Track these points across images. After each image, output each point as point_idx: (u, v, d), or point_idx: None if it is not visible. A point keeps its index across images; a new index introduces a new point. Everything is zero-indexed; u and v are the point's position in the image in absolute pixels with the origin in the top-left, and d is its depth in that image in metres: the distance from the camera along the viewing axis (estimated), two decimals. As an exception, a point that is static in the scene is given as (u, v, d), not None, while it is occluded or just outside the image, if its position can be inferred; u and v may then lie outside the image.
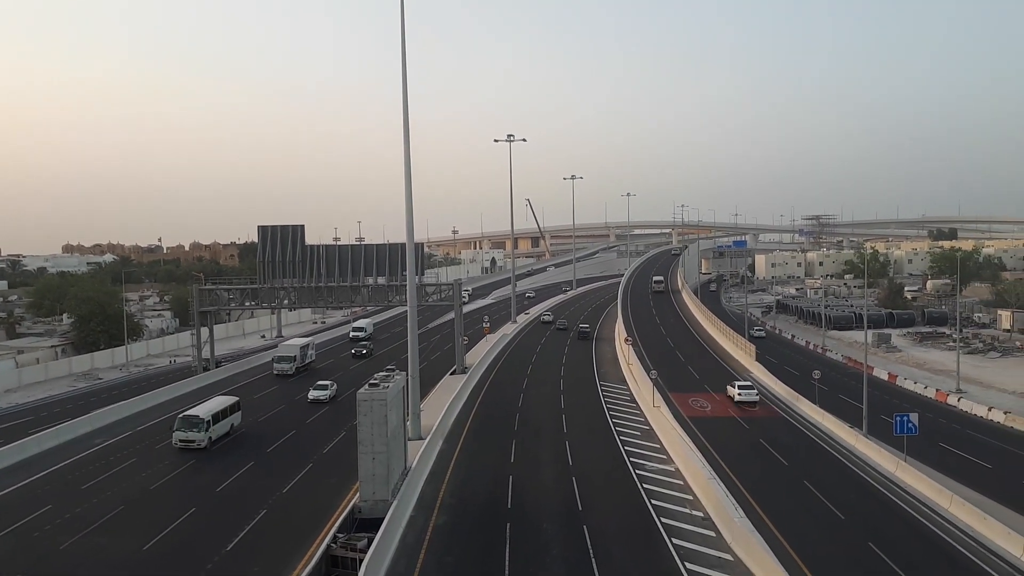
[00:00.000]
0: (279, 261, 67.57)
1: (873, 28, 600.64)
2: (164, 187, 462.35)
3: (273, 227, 67.66)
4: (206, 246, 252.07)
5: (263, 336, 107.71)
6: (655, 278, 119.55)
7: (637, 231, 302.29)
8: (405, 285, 54.04)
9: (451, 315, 74.02)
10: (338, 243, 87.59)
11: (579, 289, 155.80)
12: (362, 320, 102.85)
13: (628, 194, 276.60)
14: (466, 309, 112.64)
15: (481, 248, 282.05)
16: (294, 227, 67.80)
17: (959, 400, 60.14)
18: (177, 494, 38.35)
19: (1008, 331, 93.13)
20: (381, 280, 68.55)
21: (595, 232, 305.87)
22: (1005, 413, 54.45)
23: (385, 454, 34.34)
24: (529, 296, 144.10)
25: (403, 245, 56.49)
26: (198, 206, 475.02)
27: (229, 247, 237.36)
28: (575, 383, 66.48)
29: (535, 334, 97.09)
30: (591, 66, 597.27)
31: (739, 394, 58.47)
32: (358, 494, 34.25)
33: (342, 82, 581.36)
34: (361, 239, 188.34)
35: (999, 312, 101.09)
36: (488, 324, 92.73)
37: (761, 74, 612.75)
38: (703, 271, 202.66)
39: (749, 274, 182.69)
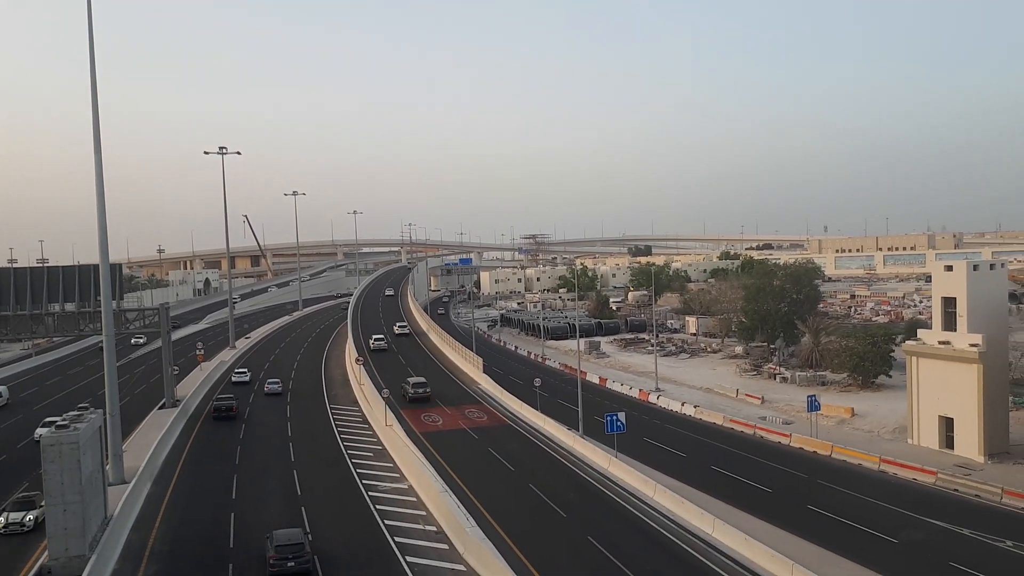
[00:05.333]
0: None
1: (592, 68, 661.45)
2: None
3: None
4: None
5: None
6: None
7: (366, 249, 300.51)
8: (100, 312, 47.66)
9: (159, 343, 66.95)
10: (13, 266, 75.41)
11: (306, 309, 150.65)
12: None
13: (355, 211, 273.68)
14: (178, 335, 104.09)
15: (193, 268, 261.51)
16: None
17: (658, 398, 67.12)
18: None
19: (694, 335, 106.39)
20: (70, 307, 59.91)
21: (322, 250, 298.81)
22: (695, 407, 61.74)
23: (79, 503, 30.20)
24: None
25: (96, 266, 49.99)
26: None
27: None
28: (303, 408, 63.67)
29: (258, 358, 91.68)
30: (312, 81, 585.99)
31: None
32: (47, 553, 29.54)
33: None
34: (44, 260, 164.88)
35: (687, 318, 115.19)
36: (202, 351, 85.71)
37: (481, 98, 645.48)
38: (432, 288, 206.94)
39: (475, 290, 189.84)
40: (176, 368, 68.52)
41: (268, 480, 43.55)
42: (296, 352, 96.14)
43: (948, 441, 47.07)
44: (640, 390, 70.24)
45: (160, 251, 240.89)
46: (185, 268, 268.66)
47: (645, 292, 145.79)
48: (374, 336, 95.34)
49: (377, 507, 37.97)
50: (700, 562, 31.54)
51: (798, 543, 32.72)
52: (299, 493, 40.81)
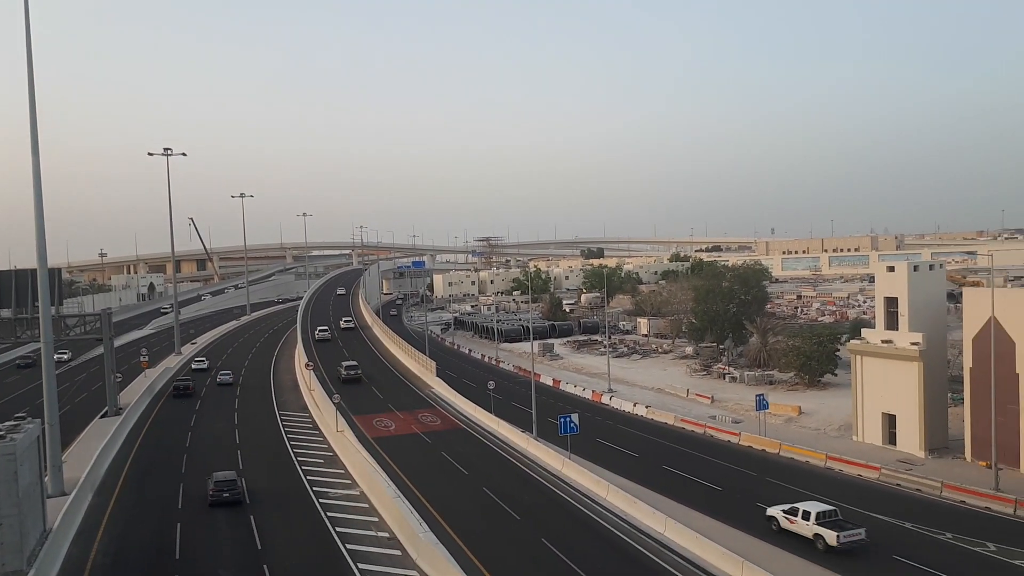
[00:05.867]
0: None
1: (543, 81, 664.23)
2: None
3: None
4: None
5: None
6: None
7: (316, 252, 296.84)
8: (38, 318, 45.93)
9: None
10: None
11: (255, 314, 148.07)
12: None
13: (305, 214, 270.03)
14: (121, 341, 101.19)
15: (137, 272, 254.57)
16: None
17: (611, 399, 67.62)
18: None
19: (646, 336, 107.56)
20: (6, 313, 57.68)
21: (271, 253, 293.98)
22: (647, 407, 62.36)
23: (16, 517, 29.33)
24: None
25: (34, 271, 48.21)
26: None
27: None
28: (252, 415, 62.46)
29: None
30: (259, 81, 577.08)
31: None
32: (-21, 570, 28.36)
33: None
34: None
35: (638, 320, 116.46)
36: (146, 357, 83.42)
37: (434, 100, 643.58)
38: (384, 291, 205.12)
39: (428, 293, 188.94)
40: (119, 375, 66.63)
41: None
42: (243, 358, 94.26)
43: (891, 437, 48.38)
44: (593, 391, 70.66)
45: (102, 255, 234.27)
46: (129, 272, 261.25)
47: (598, 294, 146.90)
48: (319, 328, 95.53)
49: (328, 514, 37.43)
50: (652, 561, 31.79)
51: (748, 540, 33.23)
52: (248, 501, 39.96)
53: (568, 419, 46.77)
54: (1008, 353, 41.62)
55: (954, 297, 72.12)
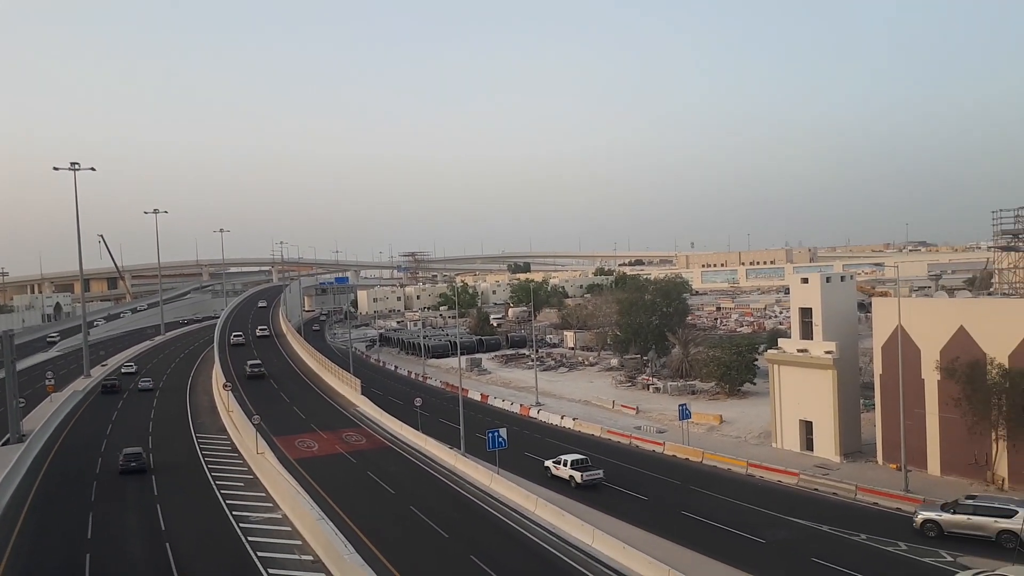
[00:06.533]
0: None
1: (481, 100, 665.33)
2: None
3: None
4: None
5: None
6: (259, 327, 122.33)
7: (234, 269, 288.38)
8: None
9: (2, 374, 61.24)
10: None
11: (169, 334, 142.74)
12: None
13: (222, 230, 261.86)
14: (24, 364, 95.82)
15: (42, 292, 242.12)
16: None
17: (539, 412, 67.74)
18: None
19: (572, 349, 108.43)
20: None
21: (187, 271, 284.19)
22: (574, 420, 62.71)
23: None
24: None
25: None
26: None
27: None
28: (168, 439, 59.85)
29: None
30: (171, 94, 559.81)
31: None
32: None
33: None
34: None
35: (565, 333, 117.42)
36: (52, 381, 79.19)
37: (355, 112, 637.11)
38: (306, 308, 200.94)
39: (352, 310, 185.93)
40: (22, 400, 62.96)
41: (128, 518, 40.50)
42: (158, 379, 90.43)
43: (808, 443, 49.94)
44: (521, 405, 70.68)
45: (3, 273, 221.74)
46: (33, 292, 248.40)
47: (525, 308, 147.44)
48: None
49: (249, 539, 36.09)
50: (581, 573, 31.80)
51: (674, 548, 33.65)
52: (163, 528, 38.21)
53: (496, 434, 46.57)
54: (914, 359, 43.62)
55: (864, 307, 75.30)
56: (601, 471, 45.07)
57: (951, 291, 58.48)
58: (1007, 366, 39.04)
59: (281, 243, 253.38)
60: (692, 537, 35.25)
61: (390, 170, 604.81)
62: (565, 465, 45.68)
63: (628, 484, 44.68)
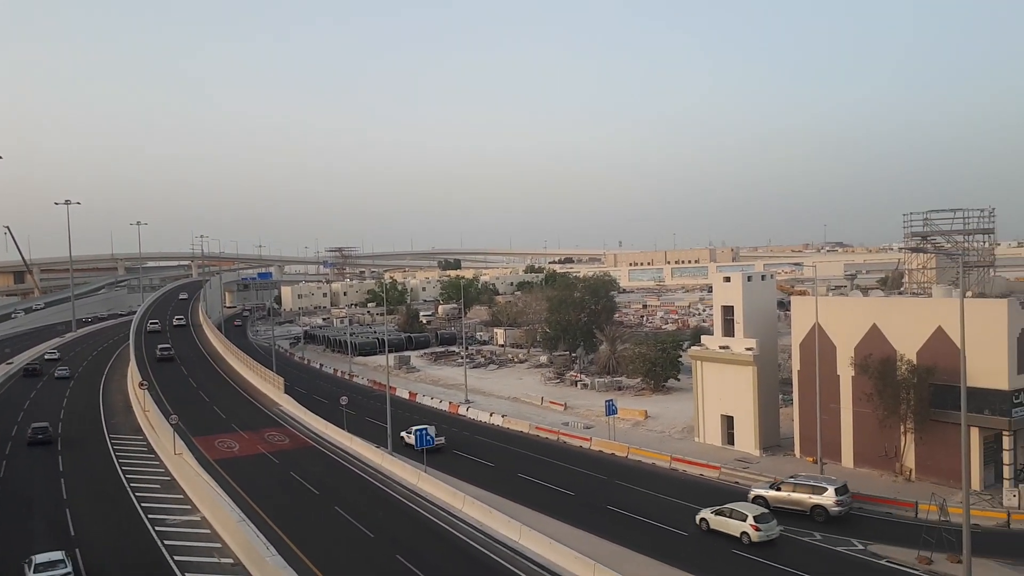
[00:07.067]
0: None
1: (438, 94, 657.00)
2: None
3: None
4: None
5: None
6: (176, 317, 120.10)
7: (151, 264, 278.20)
8: None
9: None
10: None
11: (81, 331, 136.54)
12: None
13: (139, 223, 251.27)
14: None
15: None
16: None
17: (468, 410, 67.48)
18: None
19: (502, 346, 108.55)
20: None
21: (101, 265, 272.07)
22: (503, 417, 62.71)
23: None
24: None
25: None
26: None
27: None
28: (78, 440, 57.16)
29: (23, 386, 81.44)
30: (87, 78, 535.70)
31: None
32: None
33: None
34: None
35: (495, 330, 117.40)
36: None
37: (281, 105, 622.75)
38: (227, 305, 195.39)
39: (276, 306, 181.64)
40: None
41: (35, 524, 38.52)
42: (68, 378, 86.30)
43: (729, 438, 51.24)
44: (450, 403, 70.30)
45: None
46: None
47: (455, 305, 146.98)
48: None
49: (165, 542, 34.77)
50: (508, 570, 31.78)
51: (600, 543, 33.99)
52: (73, 534, 36.43)
53: (424, 432, 46.05)
54: (830, 356, 45.24)
55: (783, 305, 77.82)
56: (443, 438, 53.01)
57: (865, 290, 60.82)
58: (915, 362, 40.87)
59: (202, 237, 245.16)
60: (618, 531, 35.67)
61: (317, 165, 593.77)
62: (410, 433, 52.66)
63: (556, 480, 44.91)
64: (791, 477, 39.48)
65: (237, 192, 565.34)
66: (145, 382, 69.77)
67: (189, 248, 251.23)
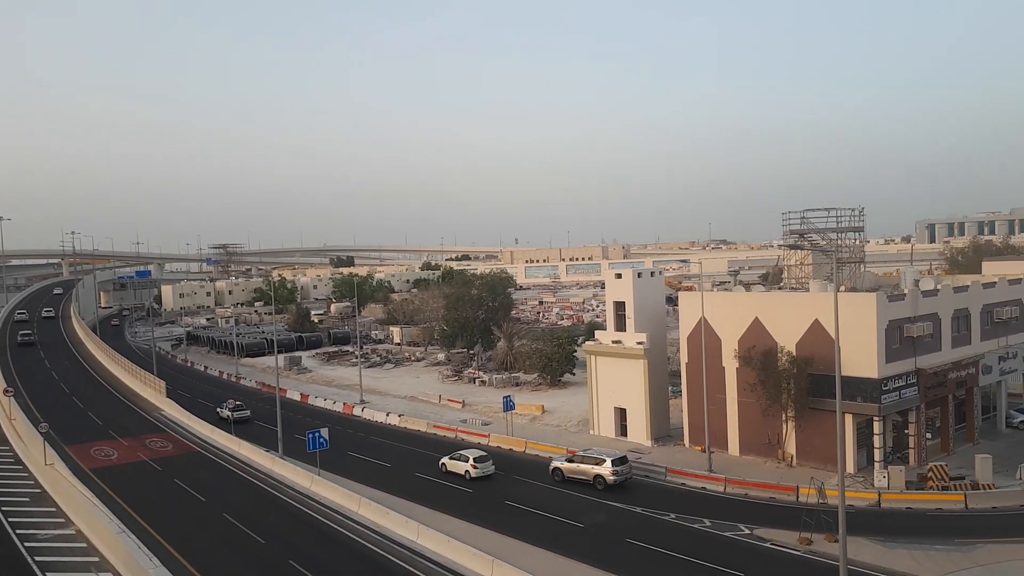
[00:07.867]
0: None
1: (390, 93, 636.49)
2: None
3: None
4: None
5: None
6: (44, 309, 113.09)
7: (16, 262, 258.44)
8: None
9: None
10: None
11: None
12: None
13: (0, 217, 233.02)
14: None
15: None
16: None
17: (363, 410, 66.28)
18: None
19: (399, 344, 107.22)
20: None
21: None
22: (400, 416, 61.95)
23: None
24: None
25: None
26: None
27: None
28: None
29: None
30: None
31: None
32: None
33: None
34: None
35: (391, 328, 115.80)
36: None
37: (160, 96, 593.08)
38: (103, 305, 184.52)
39: (156, 306, 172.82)
40: None
41: None
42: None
43: (623, 429, 52.56)
44: (344, 404, 68.89)
45: None
46: None
47: (349, 303, 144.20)
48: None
49: (36, 558, 32.34)
50: (405, 570, 31.38)
51: (498, 539, 34.11)
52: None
53: (317, 434, 44.99)
54: (716, 349, 47.09)
55: (672, 300, 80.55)
56: (248, 411, 62.44)
57: (747, 286, 63.76)
58: (795, 353, 43.10)
59: (73, 233, 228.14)
60: (516, 526, 35.88)
61: (198, 157, 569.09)
62: (229, 408, 62.23)
63: (452, 478, 44.75)
64: (583, 451, 44.58)
65: (111, 188, 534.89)
66: (11, 389, 64.87)
67: (59, 245, 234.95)
